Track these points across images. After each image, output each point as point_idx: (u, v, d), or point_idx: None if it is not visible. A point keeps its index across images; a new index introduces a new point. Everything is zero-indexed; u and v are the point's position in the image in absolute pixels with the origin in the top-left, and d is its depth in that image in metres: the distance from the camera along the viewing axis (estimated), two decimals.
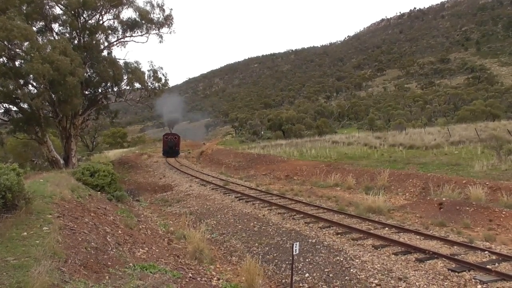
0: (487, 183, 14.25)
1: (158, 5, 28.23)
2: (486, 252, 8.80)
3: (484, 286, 7.09)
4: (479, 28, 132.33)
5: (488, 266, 7.83)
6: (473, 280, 7.35)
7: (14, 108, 24.72)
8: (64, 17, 26.02)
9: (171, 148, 45.20)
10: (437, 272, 7.82)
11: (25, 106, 23.55)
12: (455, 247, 9.32)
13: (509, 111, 45.02)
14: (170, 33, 29.19)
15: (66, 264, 5.03)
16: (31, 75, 20.76)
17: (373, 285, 7.51)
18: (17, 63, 22.19)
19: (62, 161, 25.39)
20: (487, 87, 69.84)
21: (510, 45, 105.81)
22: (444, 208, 12.82)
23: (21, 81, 22.89)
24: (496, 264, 8.08)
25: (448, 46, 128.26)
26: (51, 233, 5.87)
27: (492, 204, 12.53)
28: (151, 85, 29.64)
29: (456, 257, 8.45)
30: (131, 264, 6.28)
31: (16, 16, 19.65)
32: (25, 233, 5.85)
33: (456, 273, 7.66)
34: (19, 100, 23.12)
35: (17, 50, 20.99)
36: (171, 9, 29.12)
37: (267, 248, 10.45)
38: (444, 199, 13.52)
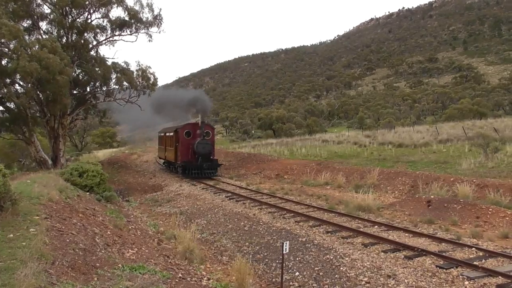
0: (474, 180, 14.48)
1: (147, 5, 28.04)
2: (473, 248, 8.93)
3: (471, 282, 7.18)
4: (466, 28, 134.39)
5: (475, 263, 7.94)
6: (460, 276, 7.45)
7: (0, 108, 24.34)
8: (52, 15, 25.68)
9: (204, 157, 22.93)
10: (425, 269, 7.91)
11: (12, 105, 23.18)
12: (443, 244, 9.44)
13: (496, 110, 45.76)
14: (160, 32, 29.02)
15: (53, 266, 4.97)
16: (18, 74, 20.42)
17: (363, 282, 7.57)
18: (3, 62, 21.82)
19: (50, 162, 25.02)
20: (474, 86, 70.93)
21: (496, 45, 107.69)
22: (432, 206, 12.97)
23: (8, 80, 22.50)
24: (483, 261, 8.20)
25: (436, 46, 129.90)
26: (38, 235, 5.79)
27: (479, 201, 12.71)
28: (140, 85, 29.40)
29: (444, 254, 8.57)
30: (120, 265, 6.22)
31: (2, 14, 19.31)
32: (11, 235, 5.76)
33: (444, 270, 7.76)
34: (4, 100, 22.75)
35: (4, 49, 20.63)
36: (160, 9, 29.09)
37: (257, 247, 10.46)
38: (432, 196, 13.68)
